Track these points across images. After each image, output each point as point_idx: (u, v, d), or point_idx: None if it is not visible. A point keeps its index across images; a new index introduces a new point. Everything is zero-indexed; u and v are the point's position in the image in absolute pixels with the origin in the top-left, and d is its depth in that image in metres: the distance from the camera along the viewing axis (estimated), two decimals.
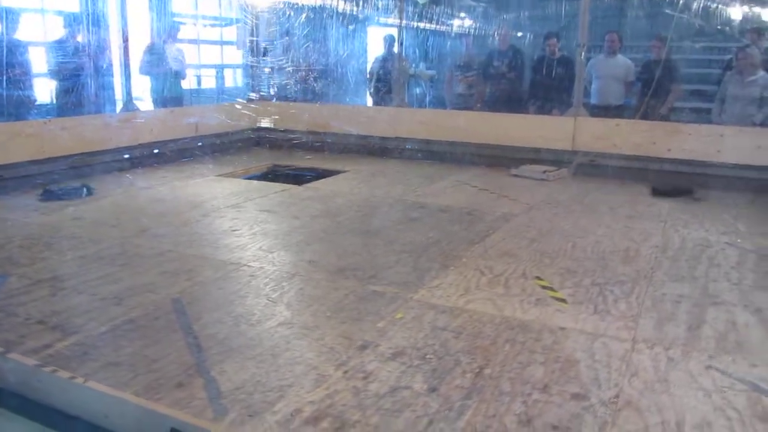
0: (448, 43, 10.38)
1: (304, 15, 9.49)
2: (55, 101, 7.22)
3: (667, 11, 7.85)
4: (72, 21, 7.26)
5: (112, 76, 8.24)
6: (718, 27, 8.09)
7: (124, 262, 3.78)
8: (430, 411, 2.20)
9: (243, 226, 4.63)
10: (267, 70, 8.96)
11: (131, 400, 2.03)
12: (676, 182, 5.61)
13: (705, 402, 2.31)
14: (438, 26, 10.61)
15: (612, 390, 2.38)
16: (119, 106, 7.35)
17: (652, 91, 6.98)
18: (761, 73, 6.57)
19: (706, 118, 7.20)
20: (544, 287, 3.48)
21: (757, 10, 7.59)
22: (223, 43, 11.05)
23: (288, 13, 9.29)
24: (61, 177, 6.06)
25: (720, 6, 7.68)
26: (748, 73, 6.58)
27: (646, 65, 7.26)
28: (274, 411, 2.18)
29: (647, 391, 2.37)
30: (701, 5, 7.48)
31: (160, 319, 2.96)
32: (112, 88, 8.66)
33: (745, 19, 7.72)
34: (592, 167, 6.85)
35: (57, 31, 7.21)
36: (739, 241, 4.46)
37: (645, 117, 6.91)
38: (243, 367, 2.50)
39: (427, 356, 2.62)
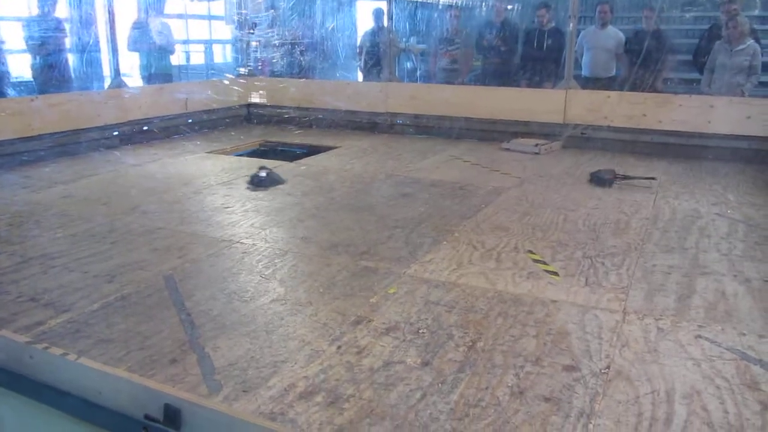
0: (436, 16, 10.26)
1: None
2: (38, 78, 7.12)
3: None
4: None
5: (99, 51, 8.13)
6: None
7: (115, 240, 3.76)
8: (423, 384, 2.22)
9: (235, 203, 4.61)
10: (255, 44, 8.85)
11: (125, 376, 2.03)
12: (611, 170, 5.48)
13: (694, 371, 2.34)
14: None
15: (603, 361, 2.40)
16: (107, 82, 7.26)
17: (642, 62, 6.96)
18: (749, 41, 6.55)
19: (696, 89, 7.19)
20: (536, 260, 3.49)
21: None
22: (211, 17, 10.90)
23: None
24: (49, 155, 6.02)
25: None
26: (736, 42, 6.56)
27: (636, 35, 7.21)
28: (268, 386, 2.19)
29: (637, 362, 2.40)
30: None
31: (152, 296, 2.96)
32: (100, 64, 8.55)
33: None
34: (583, 140, 6.85)
35: (42, 5, 7.08)
36: (729, 211, 4.49)
37: (635, 88, 6.89)
38: (237, 343, 2.51)
39: (420, 330, 2.64)
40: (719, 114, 6.28)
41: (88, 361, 2.13)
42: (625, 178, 5.31)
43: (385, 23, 8.45)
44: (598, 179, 5.25)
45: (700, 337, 2.62)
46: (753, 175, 5.67)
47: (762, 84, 7.76)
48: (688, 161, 6.23)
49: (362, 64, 9.25)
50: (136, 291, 3.01)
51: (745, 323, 2.75)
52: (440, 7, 10.46)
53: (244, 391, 2.16)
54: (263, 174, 5.11)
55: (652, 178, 5.31)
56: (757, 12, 7.39)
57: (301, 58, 9.14)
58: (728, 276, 3.30)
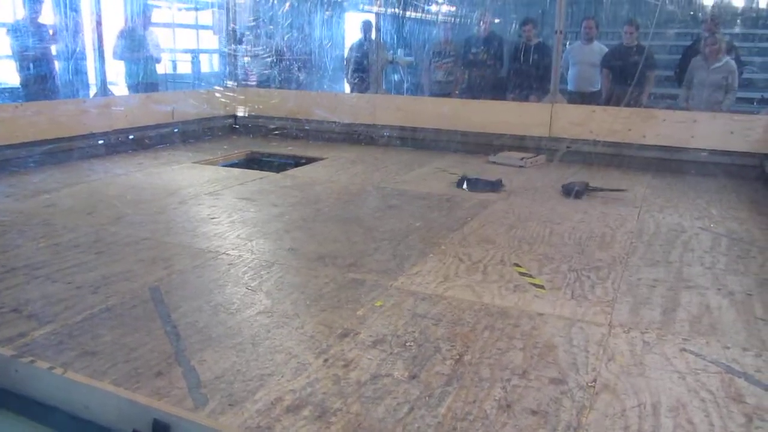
0: (426, 29, 10.35)
1: (282, 0, 9.40)
2: (23, 85, 7.07)
3: None
4: (39, 2, 7.09)
5: (85, 59, 8.09)
6: (691, 13, 8.18)
7: (100, 250, 3.73)
8: (410, 398, 2.22)
9: (221, 213, 4.59)
10: (246, 59, 8.85)
11: (113, 390, 2.01)
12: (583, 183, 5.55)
13: (680, 384, 2.36)
14: (416, 12, 10.56)
15: (590, 374, 2.41)
16: (93, 90, 7.22)
17: (626, 78, 7.04)
18: (726, 59, 6.66)
19: (677, 104, 7.29)
20: (522, 273, 3.51)
21: None
22: (198, 27, 10.89)
23: None
24: (33, 163, 5.96)
25: None
26: (713, 59, 6.66)
27: (619, 51, 7.30)
28: (255, 400, 2.17)
29: (624, 375, 2.41)
30: None
31: (137, 308, 2.93)
32: (85, 73, 8.50)
33: (716, 5, 7.80)
34: (569, 153, 6.91)
35: (27, 11, 7.03)
36: (712, 225, 4.54)
37: (619, 103, 6.97)
38: (223, 356, 2.49)
39: (408, 343, 2.64)
40: (702, 129, 6.37)
41: (75, 375, 2.10)
42: (596, 189, 5.36)
43: (373, 36, 8.49)
44: (569, 191, 5.30)
45: (685, 350, 2.64)
46: (735, 189, 5.74)
47: (745, 100, 7.90)
48: (672, 175, 6.30)
49: (349, 76, 9.29)
50: (122, 302, 2.98)
51: (729, 336, 2.78)
52: (430, 21, 10.57)
53: (230, 405, 2.14)
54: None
55: (623, 190, 5.36)
56: (738, 30, 7.52)
57: (289, 69, 9.15)
58: (712, 289, 3.33)
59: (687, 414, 2.17)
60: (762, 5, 7.14)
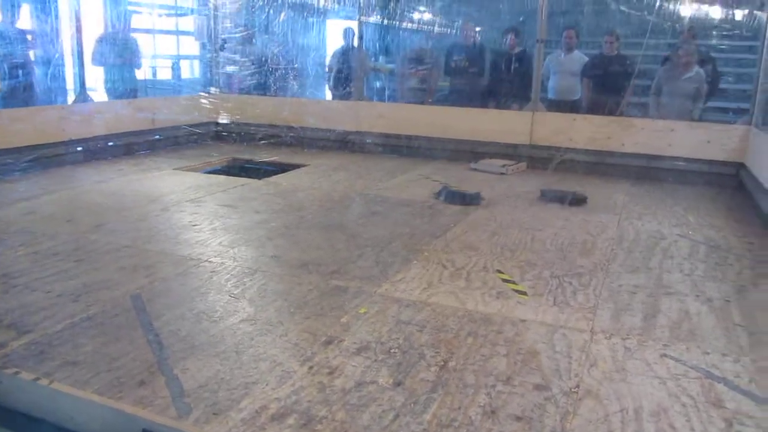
0: (409, 37, 10.39)
1: (263, 6, 9.39)
2: (2, 91, 6.97)
3: (622, 8, 8.04)
4: (16, 6, 7.01)
5: (64, 65, 8.01)
6: (668, 24, 8.32)
7: (80, 258, 3.68)
8: (396, 405, 2.22)
9: (203, 221, 4.57)
10: (229, 68, 8.82)
11: (99, 401, 1.98)
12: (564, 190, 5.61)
13: (661, 389, 2.39)
14: (398, 20, 10.61)
15: (573, 380, 2.43)
16: (71, 96, 7.14)
17: (606, 87, 7.14)
18: (696, 68, 6.78)
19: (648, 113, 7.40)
20: (505, 280, 3.53)
21: (703, 8, 7.81)
22: (179, 33, 10.83)
23: (247, 4, 9.16)
24: (11, 170, 5.88)
25: (672, 5, 7.90)
26: (684, 70, 6.77)
27: (599, 60, 7.38)
28: (239, 408, 2.16)
29: (606, 381, 2.44)
30: (655, 4, 7.68)
31: (119, 317, 2.90)
32: (64, 78, 8.41)
33: (694, 17, 7.93)
34: (549, 161, 6.98)
35: (4, 16, 6.95)
36: (690, 233, 4.61)
37: (599, 112, 7.06)
38: (206, 364, 2.47)
39: (392, 350, 2.64)
40: (679, 138, 6.48)
41: (61, 385, 2.07)
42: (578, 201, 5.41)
43: (356, 43, 8.51)
44: (557, 198, 5.36)
45: (665, 355, 2.67)
46: (712, 197, 5.84)
47: (721, 109, 8.05)
48: (651, 183, 6.39)
49: (332, 83, 9.29)
50: (103, 311, 2.95)
51: (708, 342, 2.82)
52: (410, 28, 10.62)
53: (214, 414, 2.13)
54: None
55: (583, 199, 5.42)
56: (714, 41, 7.67)
57: (271, 76, 9.13)
58: (691, 296, 3.38)
59: (668, 419, 2.19)
60: (737, 17, 7.28)
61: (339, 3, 10.63)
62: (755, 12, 7.06)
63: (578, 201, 5.35)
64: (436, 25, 10.56)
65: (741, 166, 6.23)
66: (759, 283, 3.63)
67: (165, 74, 10.94)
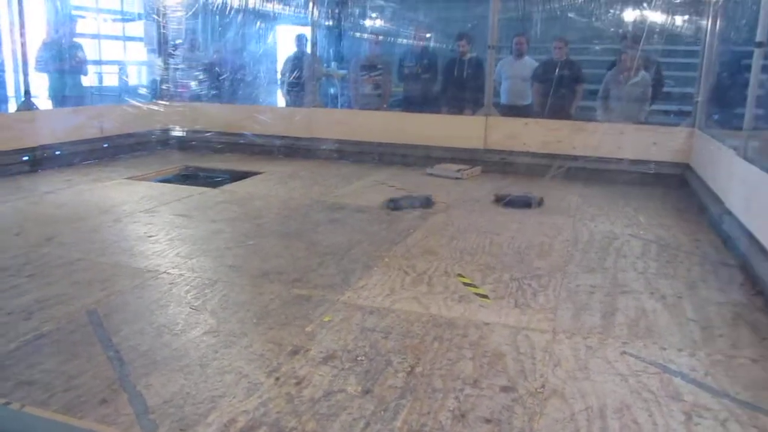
0: (361, 43, 10.42)
1: (214, 12, 9.28)
2: None
3: (570, 15, 8.25)
4: None
5: (4, 72, 7.74)
6: (614, 30, 8.57)
7: (31, 273, 3.55)
8: (365, 413, 2.22)
9: (159, 231, 4.47)
10: (180, 75, 8.66)
11: (62, 420, 1.91)
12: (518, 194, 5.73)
13: (623, 386, 2.45)
14: (351, 26, 10.63)
15: (538, 380, 2.48)
16: (12, 104, 6.89)
17: (556, 91, 7.30)
18: (642, 73, 7.01)
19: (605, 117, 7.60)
20: (466, 284, 3.57)
21: (647, 14, 8.07)
22: (126, 38, 10.58)
23: (197, 10, 9.03)
24: None
25: (617, 11, 8.14)
26: (630, 74, 6.98)
27: (548, 65, 7.54)
28: (207, 423, 2.12)
29: (570, 380, 2.49)
30: (601, 11, 7.90)
31: (75, 333, 2.81)
32: (4, 85, 8.12)
33: (638, 23, 8.19)
34: (503, 164, 7.09)
35: None
36: (641, 232, 4.75)
37: (550, 116, 7.21)
38: (170, 379, 2.42)
39: (359, 358, 2.63)
40: (628, 140, 6.67)
41: (34, 409, 1.99)
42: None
43: (309, 49, 8.47)
44: (519, 202, 5.46)
45: (625, 353, 2.75)
46: (661, 198, 6.03)
47: (666, 112, 8.33)
48: (602, 185, 6.55)
49: (284, 89, 9.22)
50: (58, 328, 2.85)
51: (664, 338, 2.91)
52: (362, 35, 10.65)
53: (181, 430, 2.08)
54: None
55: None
56: (657, 46, 7.93)
57: (223, 83, 9.01)
58: (646, 293, 3.49)
59: (632, 414, 2.25)
60: (680, 23, 7.55)
61: (291, 8, 10.58)
62: (695, 18, 7.34)
63: (539, 203, 5.47)
64: (389, 32, 10.61)
65: (687, 166, 6.46)
66: (707, 278, 3.77)
67: (112, 81, 10.68)
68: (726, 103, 6.54)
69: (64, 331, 2.83)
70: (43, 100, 7.66)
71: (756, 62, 4.42)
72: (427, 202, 5.35)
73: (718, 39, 6.27)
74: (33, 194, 5.55)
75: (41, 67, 7.54)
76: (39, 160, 6.57)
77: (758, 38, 4.40)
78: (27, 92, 6.68)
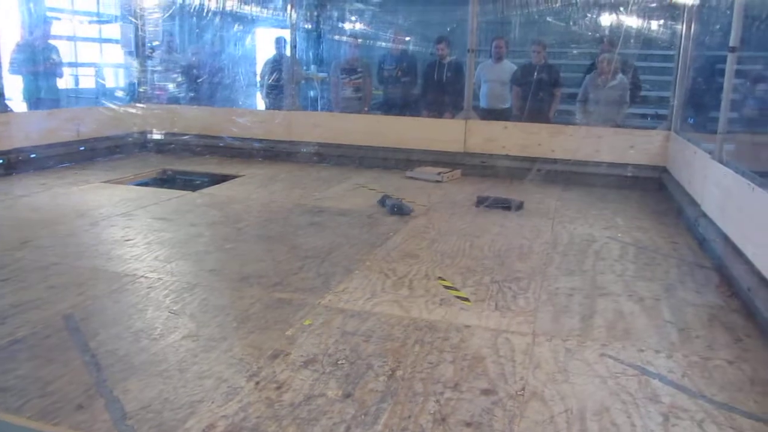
0: (340, 46, 10.41)
1: (192, 14, 9.21)
2: None
3: (549, 19, 8.32)
4: None
5: None
6: (591, 34, 8.66)
7: (6, 278, 3.49)
8: (346, 417, 2.21)
9: (136, 235, 4.41)
10: (157, 77, 8.57)
11: (36, 427, 1.88)
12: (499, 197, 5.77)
13: (602, 388, 2.47)
14: (330, 29, 10.63)
15: (518, 383, 2.49)
16: None
17: (534, 95, 7.36)
18: (619, 76, 7.10)
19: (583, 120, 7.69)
20: (447, 287, 3.58)
21: (624, 18, 8.18)
22: (102, 40, 10.46)
23: (174, 12, 8.95)
24: None
25: (595, 16, 8.24)
26: (608, 78, 7.07)
27: (527, 69, 7.59)
28: (186, 428, 2.10)
29: (550, 382, 2.51)
30: (579, 15, 7.99)
31: (51, 338, 2.76)
32: None
33: (615, 27, 8.30)
34: (483, 168, 7.12)
35: None
36: (619, 235, 4.80)
37: (529, 119, 7.26)
38: (148, 384, 2.39)
39: (339, 362, 2.62)
40: (606, 143, 6.74)
41: (8, 416, 1.95)
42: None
43: (288, 51, 8.44)
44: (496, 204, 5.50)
45: (604, 355, 2.77)
46: (638, 200, 6.10)
47: (643, 116, 8.44)
48: (580, 188, 6.62)
49: (264, 92, 9.17)
50: (33, 333, 2.80)
51: (642, 340, 2.94)
52: (342, 38, 10.65)
53: None
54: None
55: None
56: (634, 50, 8.03)
57: (201, 85, 8.94)
58: (624, 296, 3.52)
59: (611, 416, 2.27)
60: (656, 27, 7.66)
61: (269, 11, 10.55)
62: (671, 23, 7.45)
63: (519, 206, 5.51)
64: (368, 35, 10.62)
65: (664, 169, 6.55)
66: (684, 281, 3.82)
67: (89, 83, 10.55)
68: (701, 107, 6.65)
69: (40, 336, 2.78)
70: (17, 103, 7.53)
71: (729, 67, 4.49)
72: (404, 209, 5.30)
73: (693, 43, 6.36)
74: (8, 198, 5.45)
75: (15, 69, 7.43)
76: (14, 164, 6.46)
77: (732, 43, 4.47)
78: (1, 94, 6.56)
